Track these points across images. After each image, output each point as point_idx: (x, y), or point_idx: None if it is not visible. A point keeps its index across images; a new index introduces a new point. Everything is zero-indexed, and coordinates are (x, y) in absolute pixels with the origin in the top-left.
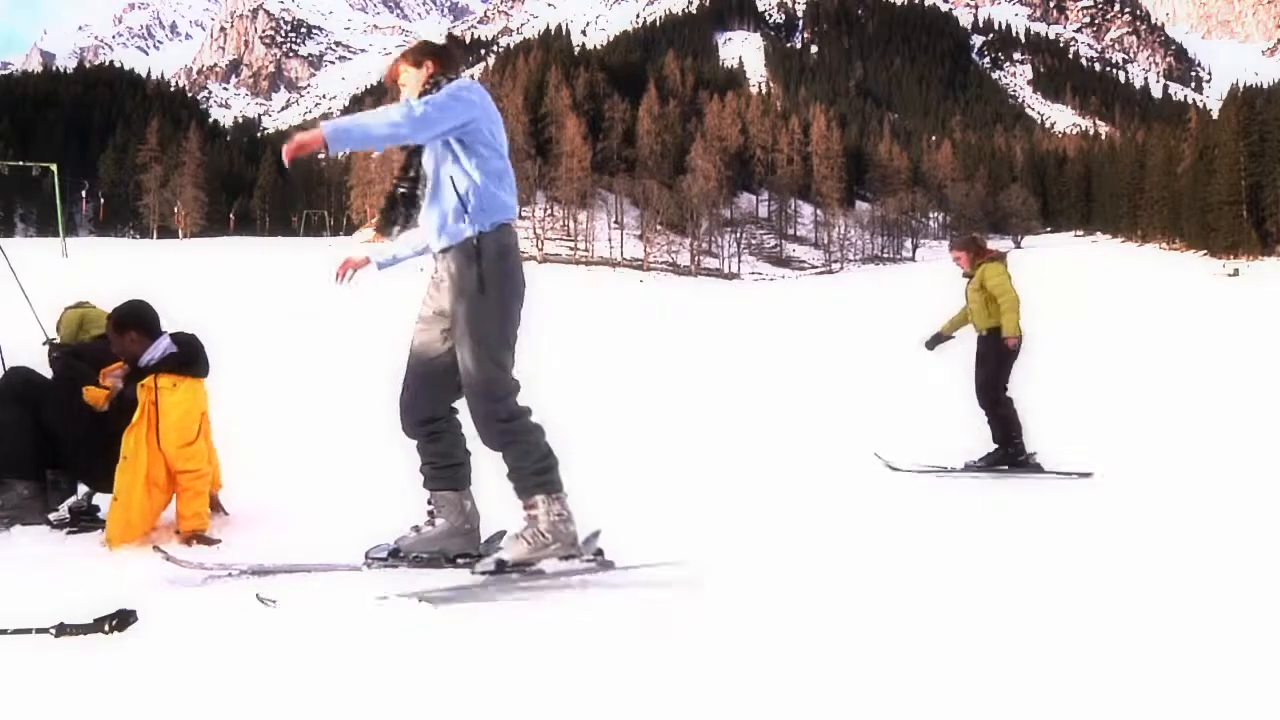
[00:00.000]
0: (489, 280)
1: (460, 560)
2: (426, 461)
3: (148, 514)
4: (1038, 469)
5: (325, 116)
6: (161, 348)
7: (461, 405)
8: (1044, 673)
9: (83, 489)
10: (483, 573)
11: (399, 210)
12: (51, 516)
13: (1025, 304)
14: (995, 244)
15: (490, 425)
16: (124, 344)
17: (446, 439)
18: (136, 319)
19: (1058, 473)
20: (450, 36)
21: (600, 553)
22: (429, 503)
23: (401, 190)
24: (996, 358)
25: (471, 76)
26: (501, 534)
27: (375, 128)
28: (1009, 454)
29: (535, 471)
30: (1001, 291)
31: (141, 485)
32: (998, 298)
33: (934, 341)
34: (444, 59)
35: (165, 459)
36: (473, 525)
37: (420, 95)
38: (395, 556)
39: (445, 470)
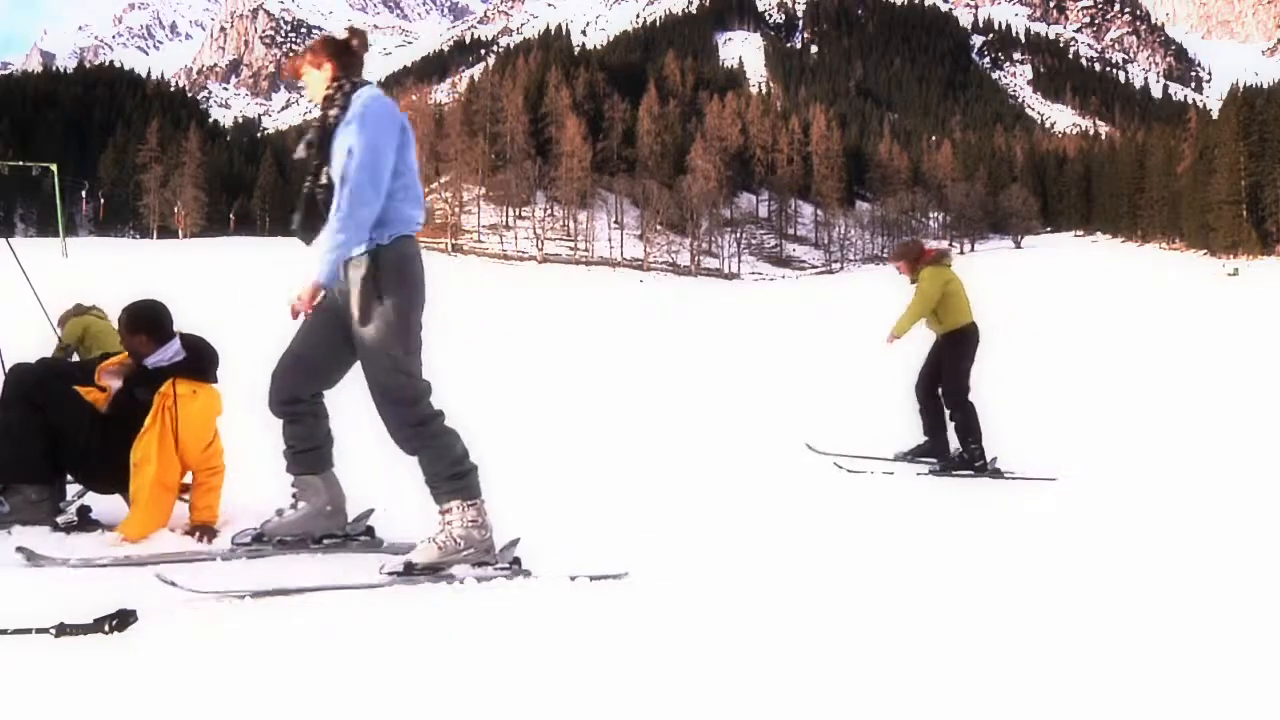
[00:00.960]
0: (387, 290)
1: (326, 540)
2: (287, 444)
3: (159, 516)
4: (997, 473)
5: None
6: (172, 351)
7: (329, 392)
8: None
9: (72, 490)
10: (390, 573)
11: (317, 214)
12: (59, 519)
13: (1026, 304)
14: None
15: (401, 430)
16: (134, 344)
17: (307, 421)
18: (150, 322)
19: (1010, 476)
20: (353, 32)
21: (517, 561)
22: (293, 486)
23: (319, 194)
24: (952, 359)
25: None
26: (370, 512)
27: (342, 241)
28: (966, 459)
29: (450, 476)
30: (919, 295)
31: (152, 489)
32: (914, 303)
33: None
34: (346, 60)
35: (183, 462)
36: (336, 506)
37: (325, 99)
38: (260, 540)
39: (305, 454)
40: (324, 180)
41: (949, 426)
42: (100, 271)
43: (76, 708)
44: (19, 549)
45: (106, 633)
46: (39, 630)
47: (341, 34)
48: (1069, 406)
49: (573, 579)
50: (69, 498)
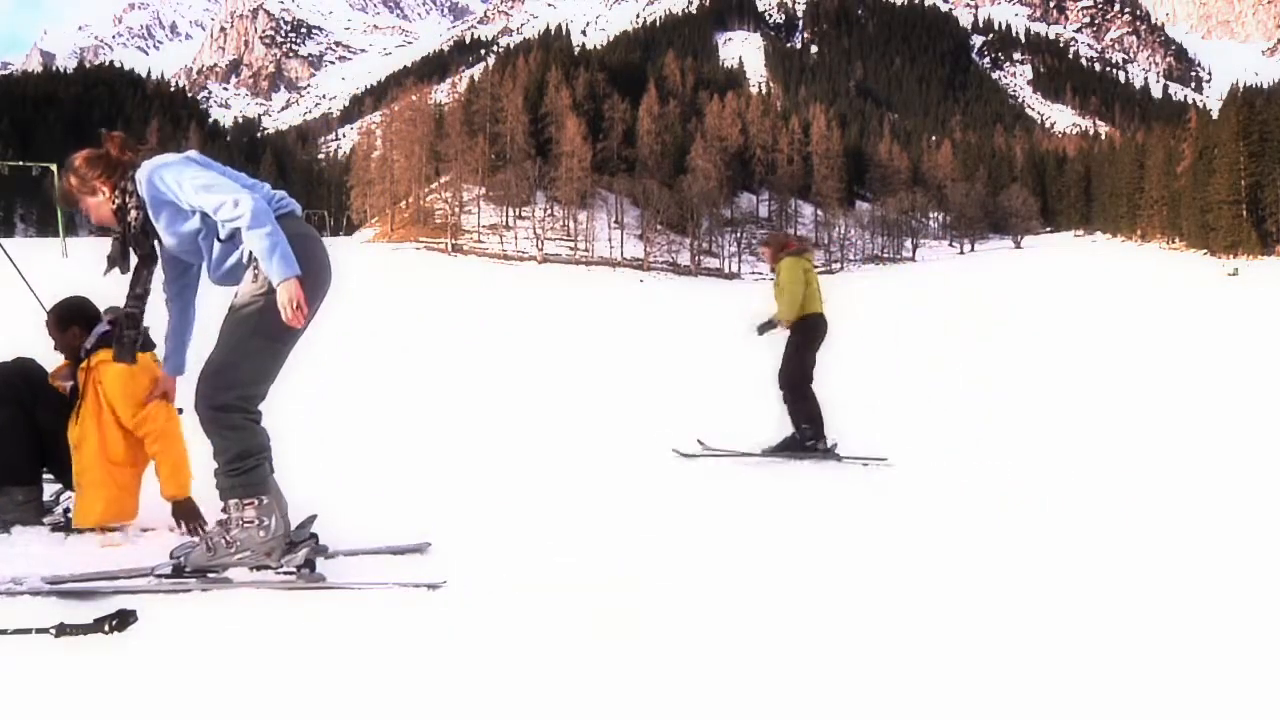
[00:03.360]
0: (260, 272)
1: (287, 544)
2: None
3: (115, 494)
4: (836, 457)
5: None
6: (98, 332)
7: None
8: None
9: (50, 490)
10: (159, 576)
11: (129, 333)
12: (46, 520)
13: (1024, 304)
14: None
15: (201, 405)
16: (67, 340)
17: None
18: (79, 314)
19: (856, 459)
20: (110, 139)
21: (309, 565)
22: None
23: (131, 310)
24: (797, 346)
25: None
26: (313, 518)
27: (269, 238)
28: (798, 440)
29: (227, 471)
30: (787, 283)
31: (98, 466)
32: (784, 288)
33: (764, 328)
34: (112, 173)
35: (122, 432)
36: (280, 513)
37: (117, 212)
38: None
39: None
40: (138, 291)
41: (820, 411)
42: (100, 271)
43: (76, 708)
44: None
45: (106, 633)
46: (39, 630)
47: (96, 148)
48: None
49: (377, 586)
50: (48, 497)
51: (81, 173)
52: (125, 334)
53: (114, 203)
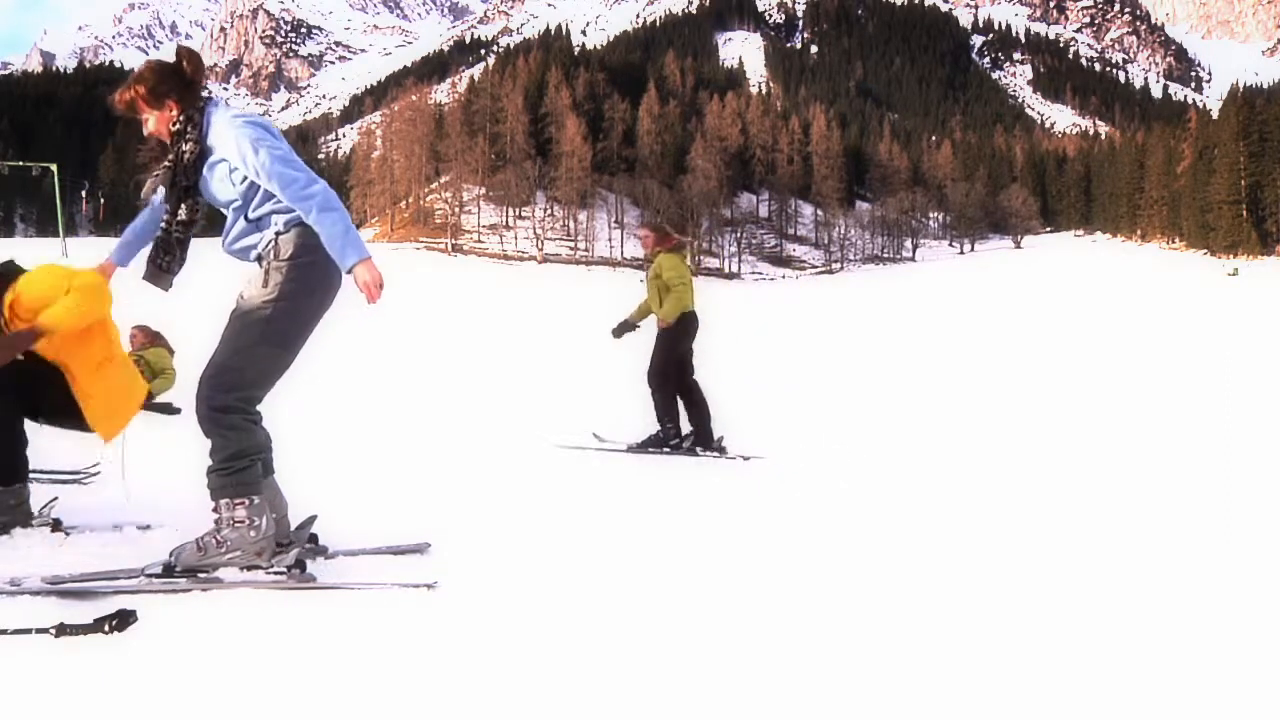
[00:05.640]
0: (271, 276)
1: (277, 544)
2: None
3: (111, 397)
4: (723, 450)
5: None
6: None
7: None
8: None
9: (45, 493)
10: (149, 575)
11: (175, 256)
12: (35, 522)
13: (1022, 303)
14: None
15: (201, 406)
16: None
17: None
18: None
19: (733, 456)
20: (184, 54)
21: (300, 565)
22: None
23: (178, 235)
24: (666, 342)
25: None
26: (313, 518)
27: (341, 221)
28: (661, 439)
29: (220, 470)
30: (674, 282)
31: (89, 381)
32: (671, 286)
33: (620, 330)
34: (184, 93)
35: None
36: (278, 514)
37: (171, 137)
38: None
39: None
40: (182, 217)
41: (705, 405)
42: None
43: (76, 708)
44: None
45: (106, 633)
46: (39, 630)
47: (170, 61)
48: (1048, 403)
49: (376, 586)
50: (43, 502)
51: (152, 83)
52: (163, 258)
53: (175, 124)
